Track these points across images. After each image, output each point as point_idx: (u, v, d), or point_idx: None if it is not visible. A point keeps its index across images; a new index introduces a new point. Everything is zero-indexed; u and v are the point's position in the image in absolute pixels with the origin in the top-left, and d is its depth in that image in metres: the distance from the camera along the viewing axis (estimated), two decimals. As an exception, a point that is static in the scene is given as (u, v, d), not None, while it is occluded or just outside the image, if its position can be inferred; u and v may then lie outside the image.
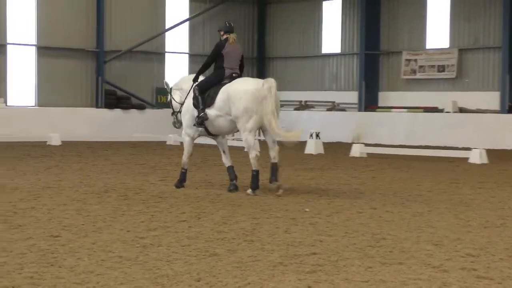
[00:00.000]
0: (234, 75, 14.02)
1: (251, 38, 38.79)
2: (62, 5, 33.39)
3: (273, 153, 13.65)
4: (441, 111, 31.56)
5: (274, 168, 13.66)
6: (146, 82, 35.75)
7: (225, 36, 14.17)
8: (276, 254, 8.16)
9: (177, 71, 36.82)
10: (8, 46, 32.45)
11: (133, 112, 34.05)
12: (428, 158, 22.93)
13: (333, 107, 35.34)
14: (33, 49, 32.98)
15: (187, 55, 37.16)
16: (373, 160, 22.05)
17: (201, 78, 14.34)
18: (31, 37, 32.97)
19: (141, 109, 34.31)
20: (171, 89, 15.01)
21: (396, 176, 17.55)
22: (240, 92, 13.53)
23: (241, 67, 14.28)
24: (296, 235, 9.40)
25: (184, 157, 14.35)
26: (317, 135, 24.96)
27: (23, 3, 32.78)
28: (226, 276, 7.14)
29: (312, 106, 36.11)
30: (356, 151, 23.87)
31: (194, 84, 14.24)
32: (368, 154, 23.84)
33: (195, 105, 14.04)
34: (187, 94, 14.43)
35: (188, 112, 14.30)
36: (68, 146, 25.92)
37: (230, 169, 14.26)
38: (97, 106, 33.59)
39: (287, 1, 37.92)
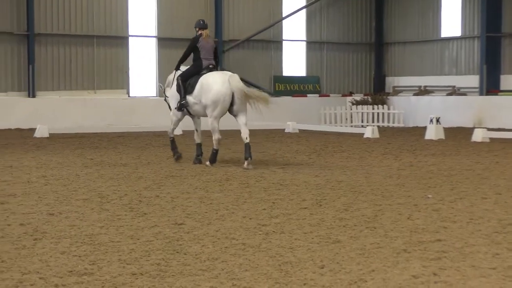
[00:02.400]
0: (210, 66, 16.28)
1: (369, 24, 38.42)
2: (181, -3, 33.95)
3: (245, 135, 15.68)
4: None
5: (247, 147, 15.60)
6: (264, 70, 35.96)
7: (200, 32, 16.61)
8: (400, 241, 8.09)
9: (295, 58, 36.91)
10: (130, 38, 33.25)
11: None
12: (554, 142, 22.26)
13: (453, 91, 34.68)
14: (154, 40, 33.65)
15: (304, 42, 37.13)
16: (496, 145, 21.54)
17: (182, 68, 16.72)
18: (152, 28, 33.65)
19: (259, 97, 34.44)
20: (164, 89, 17.43)
21: (521, 161, 17.12)
22: (211, 84, 15.74)
23: (216, 58, 16.55)
24: (419, 221, 9.29)
25: (170, 130, 17.08)
26: (437, 120, 24.57)
27: (143, -5, 33.51)
28: (350, 263, 7.12)
29: (431, 91, 35.55)
30: (478, 136, 23.37)
31: (178, 74, 16.57)
32: (490, 138, 23.31)
33: (178, 92, 16.40)
34: (172, 82, 16.87)
35: (174, 97, 16.74)
36: (189, 135, 26.27)
37: (199, 146, 16.63)
38: (216, 96, 33.98)
39: (405, -15, 37.42)
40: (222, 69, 16.84)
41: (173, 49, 33.62)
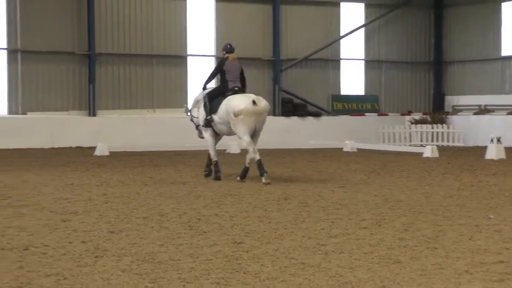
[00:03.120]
0: (236, 88, 16.98)
1: (428, 42, 38.18)
2: (240, 17, 34.16)
3: (252, 155, 16.45)
4: None
5: (245, 170, 16.80)
6: (322, 89, 35.93)
7: (226, 55, 17.20)
8: (461, 262, 7.98)
9: (353, 77, 36.82)
10: (189, 58, 33.54)
11: (310, 119, 34.26)
12: None
13: (515, 110, 34.25)
14: (212, 59, 33.86)
15: (362, 61, 37.02)
16: (559, 165, 21.20)
17: (209, 86, 17.65)
18: (210, 48, 33.88)
19: (317, 116, 34.47)
20: (190, 110, 18.18)
21: None
22: (235, 106, 16.41)
23: (242, 80, 17.22)
24: (481, 242, 9.16)
25: (210, 150, 17.55)
26: (498, 140, 24.27)
27: (203, 16, 33.76)
28: (411, 284, 7.04)
29: (492, 110, 35.13)
30: (540, 155, 23.04)
31: (205, 93, 17.35)
32: (553, 158, 22.96)
33: (205, 110, 17.24)
34: (200, 102, 17.62)
35: (202, 116, 17.46)
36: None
37: (215, 163, 17.36)
38: (274, 114, 33.94)
39: (464, 3, 37.08)
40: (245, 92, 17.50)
41: (231, 68, 33.74)
